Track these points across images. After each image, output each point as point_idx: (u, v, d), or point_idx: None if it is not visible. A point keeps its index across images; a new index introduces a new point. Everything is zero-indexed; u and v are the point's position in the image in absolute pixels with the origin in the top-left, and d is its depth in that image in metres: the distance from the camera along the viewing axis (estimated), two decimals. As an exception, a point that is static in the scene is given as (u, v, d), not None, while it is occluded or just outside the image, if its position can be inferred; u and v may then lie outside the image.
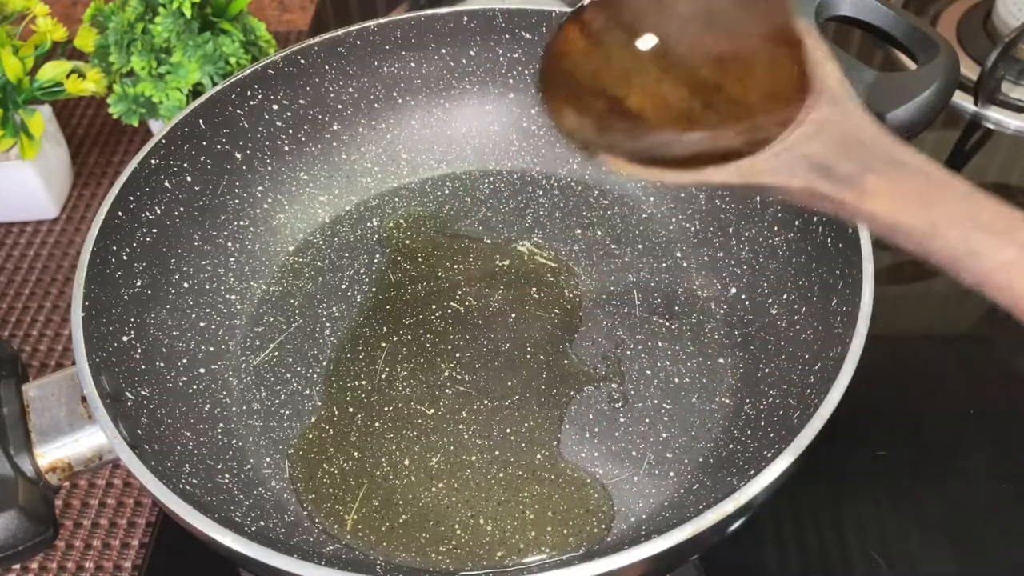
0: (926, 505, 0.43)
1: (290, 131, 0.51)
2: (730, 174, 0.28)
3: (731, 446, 0.39)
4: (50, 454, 0.34)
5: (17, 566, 0.48)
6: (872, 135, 0.27)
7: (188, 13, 0.55)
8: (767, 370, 0.41)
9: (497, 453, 0.41)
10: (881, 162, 0.26)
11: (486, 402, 0.43)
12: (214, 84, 0.56)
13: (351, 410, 0.43)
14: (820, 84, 0.28)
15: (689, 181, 0.29)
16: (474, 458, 0.41)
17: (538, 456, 0.41)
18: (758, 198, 0.46)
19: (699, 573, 0.41)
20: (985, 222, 0.25)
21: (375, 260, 0.50)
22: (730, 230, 0.47)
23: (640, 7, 0.32)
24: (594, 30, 0.31)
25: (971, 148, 0.62)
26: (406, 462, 0.41)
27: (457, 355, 0.45)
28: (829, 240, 0.41)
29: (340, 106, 0.52)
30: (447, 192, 0.53)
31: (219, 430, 0.41)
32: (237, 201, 0.49)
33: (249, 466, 0.40)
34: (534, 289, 0.48)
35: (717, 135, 0.29)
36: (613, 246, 0.49)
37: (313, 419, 0.43)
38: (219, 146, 0.48)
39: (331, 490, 0.40)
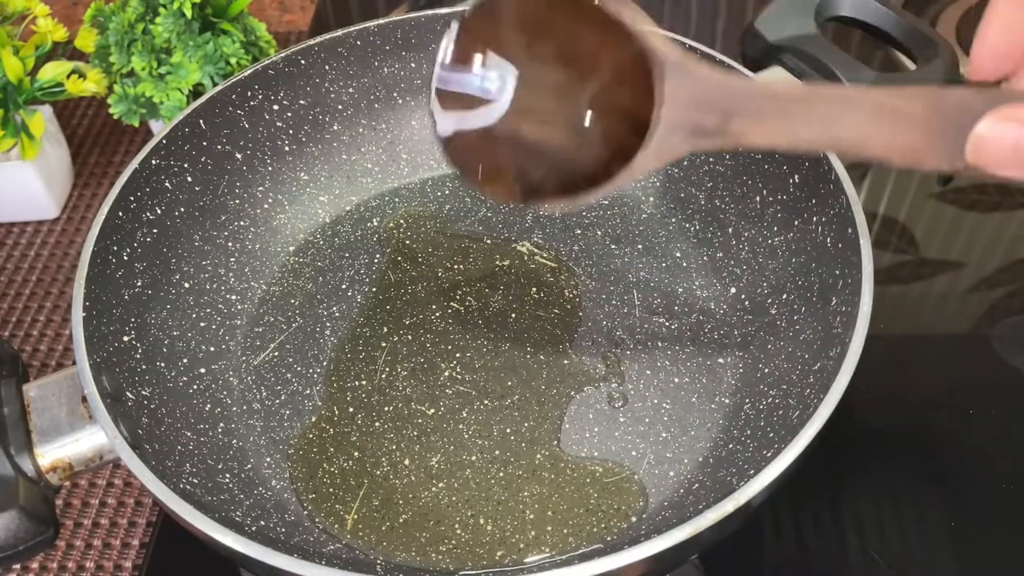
0: (926, 505, 0.43)
1: (290, 131, 0.51)
2: (631, 172, 0.30)
3: (731, 446, 0.39)
4: (51, 454, 0.34)
5: (17, 566, 0.48)
6: (719, 83, 0.29)
7: (188, 13, 0.55)
8: (767, 370, 0.42)
9: (497, 453, 0.41)
10: (736, 102, 0.29)
11: (486, 402, 0.43)
12: (214, 84, 0.56)
13: (351, 410, 0.43)
14: (658, 57, 0.29)
15: (601, 193, 0.31)
16: (474, 458, 0.41)
17: (538, 456, 0.41)
18: (758, 198, 0.46)
19: (699, 573, 0.41)
20: (826, 109, 0.29)
21: (375, 260, 0.50)
22: (730, 230, 0.47)
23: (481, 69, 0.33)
24: (456, 103, 0.33)
25: (971, 148, 0.61)
26: (406, 462, 0.41)
27: (457, 355, 0.45)
28: (829, 240, 0.41)
29: (340, 106, 0.52)
30: (447, 192, 0.53)
31: (219, 430, 0.41)
32: (237, 201, 0.49)
33: (249, 466, 0.41)
34: (534, 289, 0.48)
35: (606, 144, 0.31)
36: (613, 246, 0.49)
37: (313, 419, 0.43)
38: (220, 146, 0.48)
39: (331, 490, 0.40)
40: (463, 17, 0.33)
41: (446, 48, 0.33)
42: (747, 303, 0.45)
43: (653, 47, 0.29)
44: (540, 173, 0.33)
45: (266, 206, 0.50)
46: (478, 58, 0.33)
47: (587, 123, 0.32)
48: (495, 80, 0.33)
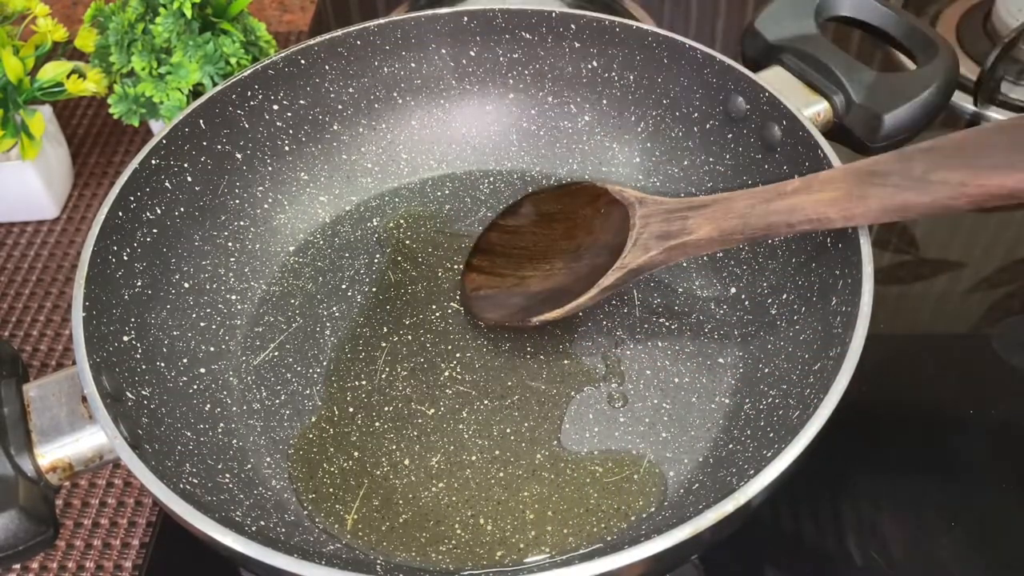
0: (926, 505, 0.43)
1: (290, 131, 0.51)
2: (619, 273, 0.41)
3: (731, 446, 0.39)
4: (51, 454, 0.34)
5: (17, 566, 0.48)
6: (673, 204, 0.41)
7: (188, 13, 0.55)
8: (767, 370, 0.42)
9: (497, 453, 0.41)
10: (689, 212, 0.40)
11: (486, 402, 0.43)
12: (214, 84, 0.56)
13: (351, 410, 0.43)
14: (628, 200, 0.43)
15: (600, 294, 0.42)
16: (474, 458, 0.41)
17: (538, 456, 0.41)
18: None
19: (699, 573, 0.41)
20: (756, 202, 0.38)
21: (375, 260, 0.50)
22: (730, 230, 0.47)
23: (508, 242, 0.47)
24: (485, 266, 0.47)
25: (971, 148, 0.61)
26: (406, 462, 0.41)
27: (457, 355, 0.45)
28: (828, 240, 0.41)
29: (340, 106, 0.52)
30: (447, 192, 0.53)
31: (219, 430, 0.41)
32: (237, 201, 0.49)
33: (249, 466, 0.40)
34: (534, 289, 0.48)
35: (600, 262, 0.43)
36: (613, 246, 0.49)
37: (313, 419, 0.43)
38: (219, 146, 0.48)
39: (331, 490, 0.40)
40: (496, 218, 0.48)
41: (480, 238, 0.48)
42: (747, 303, 0.45)
43: (625, 197, 0.43)
44: (541, 307, 0.44)
45: (266, 206, 0.50)
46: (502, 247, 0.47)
47: (584, 268, 0.44)
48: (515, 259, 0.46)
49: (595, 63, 0.52)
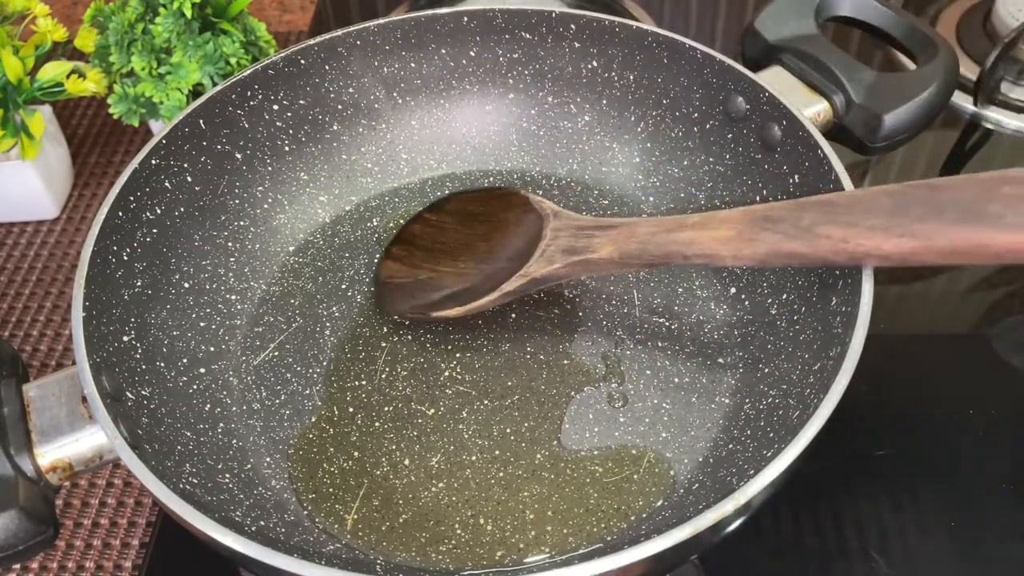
0: (926, 505, 0.43)
1: (290, 131, 0.51)
2: (521, 281, 0.42)
3: (731, 446, 0.39)
4: (50, 454, 0.34)
5: (17, 566, 0.48)
6: (584, 222, 0.43)
7: (188, 13, 0.55)
8: (767, 370, 0.42)
9: (497, 453, 0.41)
10: (596, 231, 0.42)
11: (486, 402, 0.43)
12: (214, 84, 0.56)
13: (351, 410, 0.43)
14: (544, 212, 0.44)
15: (501, 298, 0.43)
16: (474, 458, 0.41)
17: (538, 456, 0.41)
18: (758, 198, 0.46)
19: (699, 573, 0.41)
20: (658, 230, 0.39)
21: (375, 260, 0.50)
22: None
23: (426, 233, 0.48)
24: (404, 256, 0.48)
25: (970, 148, 0.62)
26: (406, 462, 0.41)
27: (457, 355, 0.45)
28: (829, 240, 0.41)
29: (340, 106, 0.52)
30: (447, 192, 0.53)
31: (219, 430, 0.41)
32: (237, 201, 0.49)
33: (249, 466, 0.40)
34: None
35: (509, 267, 0.44)
36: (613, 246, 0.49)
37: (313, 419, 0.43)
38: (219, 146, 0.48)
39: (331, 490, 0.40)
40: (422, 211, 0.49)
41: (402, 228, 0.49)
42: (747, 303, 0.45)
43: (543, 207, 0.44)
44: (446, 304, 0.45)
45: (266, 206, 0.50)
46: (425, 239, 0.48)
47: (494, 270, 0.45)
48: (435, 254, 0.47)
49: (595, 63, 0.52)
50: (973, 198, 0.32)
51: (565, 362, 0.44)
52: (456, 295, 0.45)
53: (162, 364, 0.41)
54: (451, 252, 0.47)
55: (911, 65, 0.49)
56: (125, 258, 0.42)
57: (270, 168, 0.50)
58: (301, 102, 0.50)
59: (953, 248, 0.33)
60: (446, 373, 0.44)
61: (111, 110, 0.58)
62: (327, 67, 0.51)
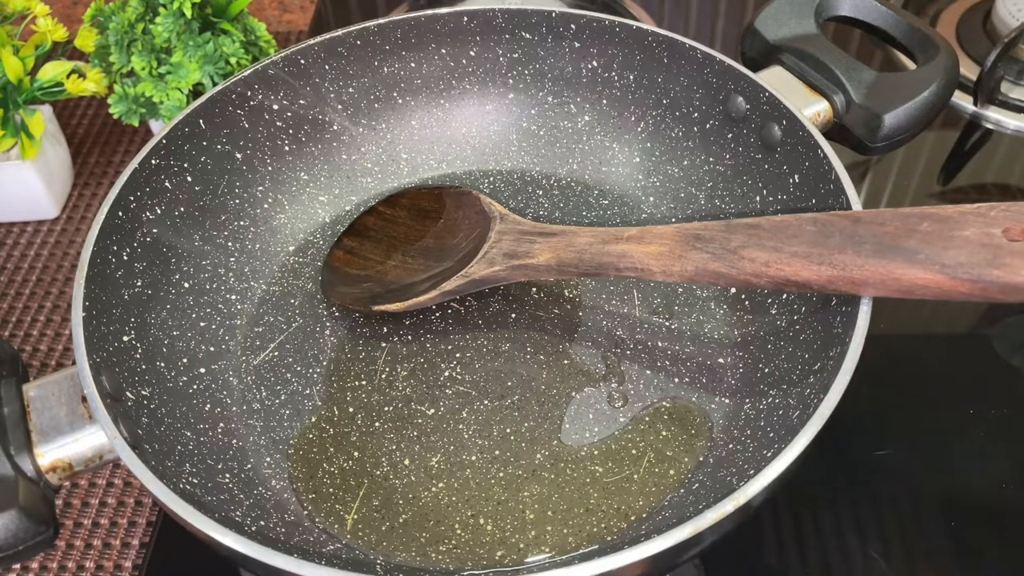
0: (926, 505, 0.43)
1: (290, 131, 0.51)
2: (461, 281, 0.43)
3: (731, 446, 0.39)
4: (50, 454, 0.34)
5: (17, 566, 0.48)
6: (528, 227, 0.43)
7: (188, 13, 0.55)
8: (767, 370, 0.42)
9: (497, 453, 0.41)
10: (538, 237, 0.42)
11: (486, 402, 0.43)
12: (214, 84, 0.56)
13: (351, 410, 0.43)
14: (492, 214, 0.45)
15: (440, 296, 0.44)
16: (474, 458, 0.41)
17: (538, 456, 0.41)
18: (758, 198, 0.46)
19: (699, 573, 0.41)
20: (595, 241, 0.40)
21: (375, 260, 0.50)
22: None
23: (378, 226, 0.49)
24: (354, 247, 0.48)
25: (970, 148, 0.62)
26: (406, 462, 0.41)
27: (457, 355, 0.45)
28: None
29: (340, 106, 0.52)
30: (447, 192, 0.53)
31: (219, 430, 0.41)
32: (237, 201, 0.49)
33: (249, 466, 0.41)
34: (534, 289, 0.48)
35: (454, 267, 0.44)
36: (613, 246, 0.49)
37: (313, 419, 0.43)
38: (219, 146, 0.48)
39: (331, 490, 0.40)
40: (377, 203, 0.50)
41: (353, 221, 0.49)
42: (747, 303, 0.45)
43: (491, 209, 0.45)
44: (388, 298, 0.45)
45: (266, 206, 0.50)
46: (376, 232, 0.49)
47: (439, 268, 0.45)
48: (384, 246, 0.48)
49: (595, 63, 0.52)
50: (892, 232, 0.33)
51: (565, 362, 0.44)
52: (399, 290, 0.45)
53: (162, 364, 0.41)
54: (400, 246, 0.48)
55: (911, 65, 0.49)
56: (125, 258, 0.42)
57: (270, 168, 0.50)
58: (301, 102, 0.51)
59: (866, 279, 0.34)
60: (446, 373, 0.44)
61: (111, 110, 0.58)
62: (327, 67, 0.51)
